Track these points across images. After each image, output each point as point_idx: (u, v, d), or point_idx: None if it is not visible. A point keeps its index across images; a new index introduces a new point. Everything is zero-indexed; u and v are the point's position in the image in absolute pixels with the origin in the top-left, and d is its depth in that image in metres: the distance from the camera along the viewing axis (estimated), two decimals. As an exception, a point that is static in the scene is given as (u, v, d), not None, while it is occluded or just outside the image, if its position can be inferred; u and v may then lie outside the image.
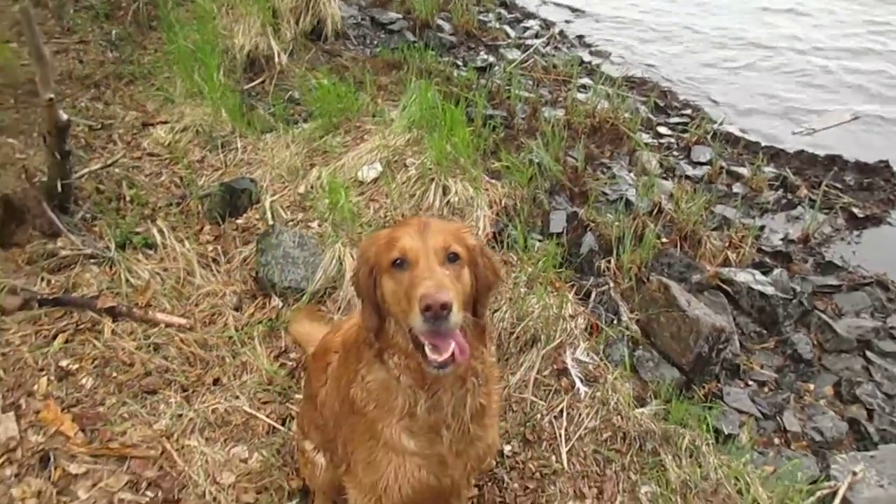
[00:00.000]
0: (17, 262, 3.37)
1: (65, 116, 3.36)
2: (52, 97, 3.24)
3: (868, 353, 3.66)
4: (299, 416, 2.56)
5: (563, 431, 2.80)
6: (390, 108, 4.77)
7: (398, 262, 1.69)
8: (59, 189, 3.52)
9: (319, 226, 3.73)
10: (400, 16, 6.83)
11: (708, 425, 2.89)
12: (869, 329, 3.80)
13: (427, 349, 1.64)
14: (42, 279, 3.30)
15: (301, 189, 4.06)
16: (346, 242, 3.47)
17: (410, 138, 4.28)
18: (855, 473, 2.84)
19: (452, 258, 1.71)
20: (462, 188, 3.89)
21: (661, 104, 6.01)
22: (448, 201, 3.84)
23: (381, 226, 3.65)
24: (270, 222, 3.75)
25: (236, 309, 3.38)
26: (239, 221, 3.90)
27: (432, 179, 3.88)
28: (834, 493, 2.77)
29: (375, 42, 6.44)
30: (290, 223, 3.81)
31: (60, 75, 4.90)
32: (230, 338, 3.19)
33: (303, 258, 3.44)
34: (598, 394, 2.92)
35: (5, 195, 3.47)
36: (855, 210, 4.79)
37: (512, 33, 7.04)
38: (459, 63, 6.20)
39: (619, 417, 2.85)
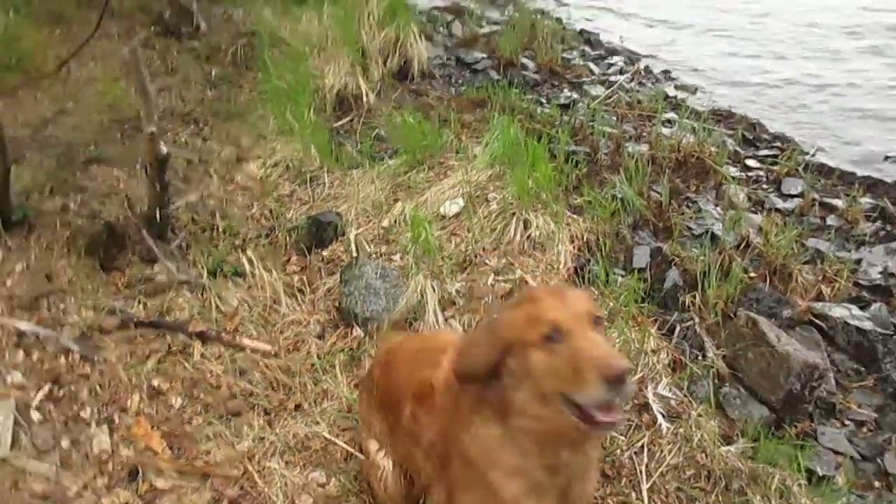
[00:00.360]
0: (117, 285, 3.56)
1: (164, 150, 3.55)
2: (153, 131, 3.44)
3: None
4: (362, 411, 2.58)
5: (643, 467, 2.72)
6: (473, 144, 4.85)
7: (551, 335, 1.66)
8: (158, 218, 3.72)
9: (401, 258, 3.80)
10: (485, 55, 6.97)
11: (800, 465, 2.76)
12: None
13: (595, 412, 1.60)
14: (139, 302, 3.47)
15: (385, 223, 4.15)
16: (427, 274, 3.52)
17: (492, 174, 4.33)
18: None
19: (598, 322, 1.70)
20: (543, 222, 3.89)
21: (750, 137, 5.86)
22: (529, 236, 3.84)
23: (461, 261, 3.71)
24: (354, 254, 3.84)
25: (319, 337, 3.47)
26: (324, 253, 4.01)
27: (513, 214, 3.90)
28: (939, 545, 2.59)
29: (460, 81, 6.58)
30: (374, 256, 3.89)
31: (163, 112, 5.18)
32: (312, 365, 3.26)
33: (384, 289, 3.50)
34: (682, 430, 2.83)
35: (109, 222, 3.70)
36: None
37: (596, 70, 7.06)
38: (543, 100, 6.24)
39: (703, 455, 2.74)
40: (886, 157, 5.60)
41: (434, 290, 3.41)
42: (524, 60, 6.93)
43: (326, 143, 5.01)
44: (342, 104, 5.89)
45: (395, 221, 4.11)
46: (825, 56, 7.76)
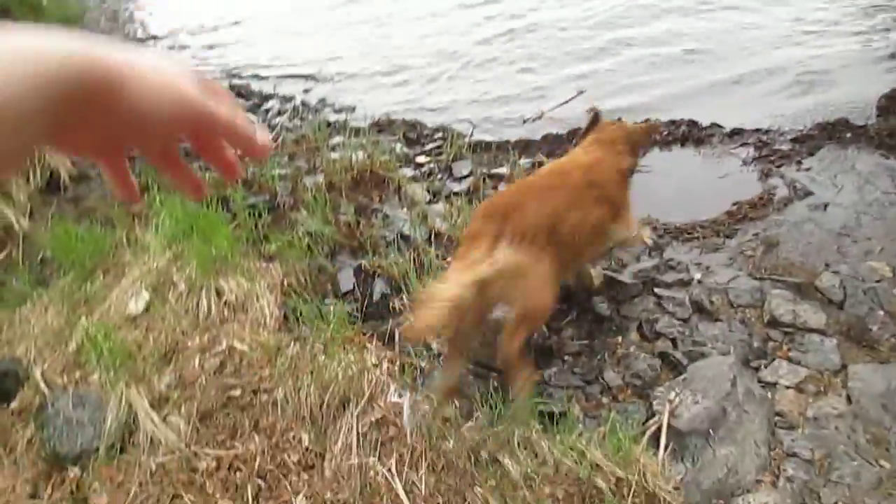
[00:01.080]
0: None
1: None
2: None
3: (655, 290, 3.91)
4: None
5: (400, 482, 2.75)
6: (146, 233, 4.59)
7: None
8: None
9: (99, 377, 3.48)
10: (138, 140, 6.63)
11: (533, 413, 2.95)
12: (649, 268, 4.07)
13: None
14: None
15: (72, 347, 3.77)
16: (129, 382, 3.25)
17: (172, 255, 4.12)
18: (671, 401, 2.99)
19: None
20: (236, 285, 3.78)
21: (413, 136, 6.20)
22: (226, 302, 3.72)
23: (164, 354, 3.48)
24: (45, 393, 3.45)
25: (33, 496, 3.06)
26: (13, 406, 3.55)
27: (202, 287, 3.74)
28: (660, 427, 2.90)
29: (120, 173, 6.19)
30: (68, 386, 3.52)
31: None
32: (33, 530, 2.87)
33: (88, 416, 3.17)
34: (423, 428, 2.90)
35: None
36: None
37: (256, 118, 7.03)
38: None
39: (446, 442, 2.83)
40: (524, 121, 6.25)
41: (142, 395, 3.16)
42: (181, 131, 6.69)
43: (-18, 289, 4.46)
44: (-7, 240, 5.29)
45: (83, 341, 3.75)
46: (440, 55, 8.43)
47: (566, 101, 6.40)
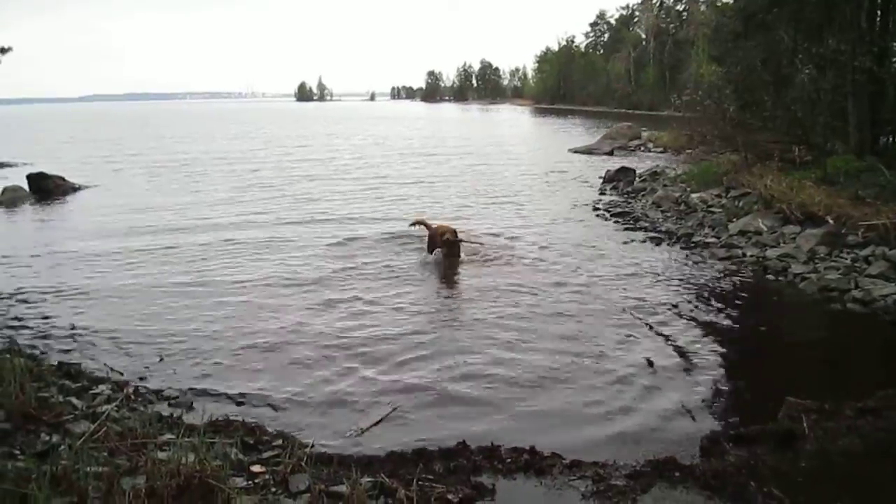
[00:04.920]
0: None
1: None
2: None
3: None
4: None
5: None
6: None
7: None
8: None
9: None
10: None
11: None
12: None
13: None
14: None
15: None
16: None
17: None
18: None
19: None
20: None
21: (251, 441, 5.90)
22: None
23: None
24: None
25: None
26: None
27: None
28: None
29: None
30: None
31: None
32: None
33: None
34: None
35: None
36: (450, 496, 5.02)
37: (79, 404, 6.48)
38: (17, 451, 5.42)
39: None
40: (346, 436, 6.20)
41: None
42: (-11, 413, 6.02)
43: None
44: None
45: None
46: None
47: (381, 420, 6.50)
